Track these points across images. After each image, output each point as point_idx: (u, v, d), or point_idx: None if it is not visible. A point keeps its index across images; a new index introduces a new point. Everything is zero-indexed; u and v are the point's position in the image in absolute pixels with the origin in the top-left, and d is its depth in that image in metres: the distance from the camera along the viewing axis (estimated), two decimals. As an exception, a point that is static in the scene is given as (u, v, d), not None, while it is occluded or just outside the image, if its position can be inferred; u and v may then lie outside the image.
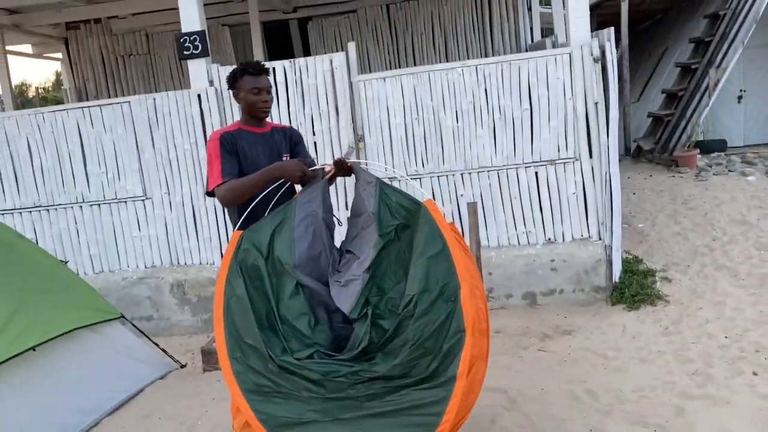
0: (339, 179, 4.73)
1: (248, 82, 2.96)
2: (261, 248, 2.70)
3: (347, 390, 2.54)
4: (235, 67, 3.01)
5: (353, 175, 2.90)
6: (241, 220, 2.78)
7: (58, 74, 30.66)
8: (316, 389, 2.53)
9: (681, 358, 3.79)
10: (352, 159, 4.96)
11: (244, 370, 2.47)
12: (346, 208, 4.92)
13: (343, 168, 2.87)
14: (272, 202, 2.89)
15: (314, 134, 5.12)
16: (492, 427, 3.18)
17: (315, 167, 2.89)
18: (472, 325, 2.46)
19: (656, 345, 4.02)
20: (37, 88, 33.44)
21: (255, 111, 3.00)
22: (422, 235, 2.64)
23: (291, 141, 3.19)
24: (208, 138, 3.09)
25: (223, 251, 5.25)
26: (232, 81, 2.99)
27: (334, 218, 2.96)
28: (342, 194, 5.14)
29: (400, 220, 2.75)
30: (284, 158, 3.08)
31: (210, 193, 2.93)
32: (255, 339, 2.53)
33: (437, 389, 2.45)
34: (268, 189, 2.86)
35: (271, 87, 3.04)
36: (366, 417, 2.46)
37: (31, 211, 5.49)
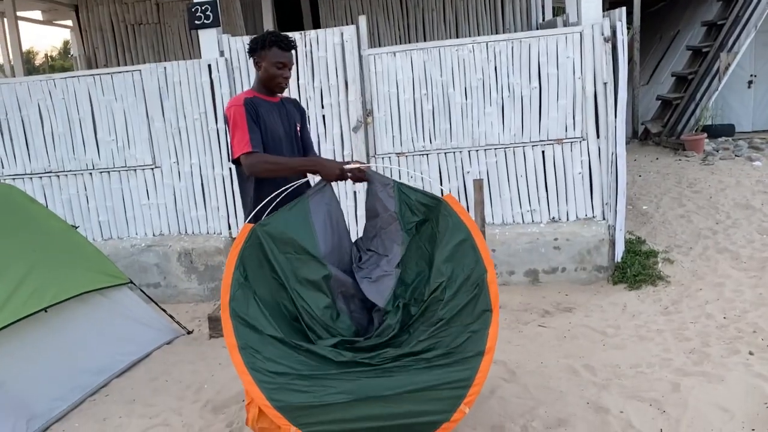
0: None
1: (275, 54, 2.92)
2: (277, 240, 2.74)
3: (374, 369, 2.62)
4: (262, 33, 2.97)
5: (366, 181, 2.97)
6: (254, 210, 2.82)
7: (65, 42, 30.57)
8: (340, 371, 2.60)
9: (679, 336, 3.85)
10: (360, 133, 5.01)
11: (257, 361, 2.52)
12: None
13: (358, 177, 2.92)
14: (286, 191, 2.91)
15: (323, 107, 5.15)
16: (491, 397, 3.26)
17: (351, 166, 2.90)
18: (496, 304, 2.63)
19: (655, 324, 4.09)
20: (46, 54, 33.34)
21: (274, 85, 2.98)
22: (446, 227, 2.78)
23: (300, 113, 3.21)
24: (226, 104, 3.08)
25: (230, 222, 5.34)
26: (258, 48, 2.94)
27: (340, 210, 3.02)
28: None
29: (420, 216, 2.88)
30: (297, 128, 3.12)
31: (236, 161, 2.92)
32: (267, 328, 2.60)
33: (464, 363, 2.57)
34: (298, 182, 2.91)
35: (293, 64, 3.02)
36: (394, 395, 2.55)
37: (41, 177, 5.56)
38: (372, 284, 2.92)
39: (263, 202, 2.83)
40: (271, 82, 2.99)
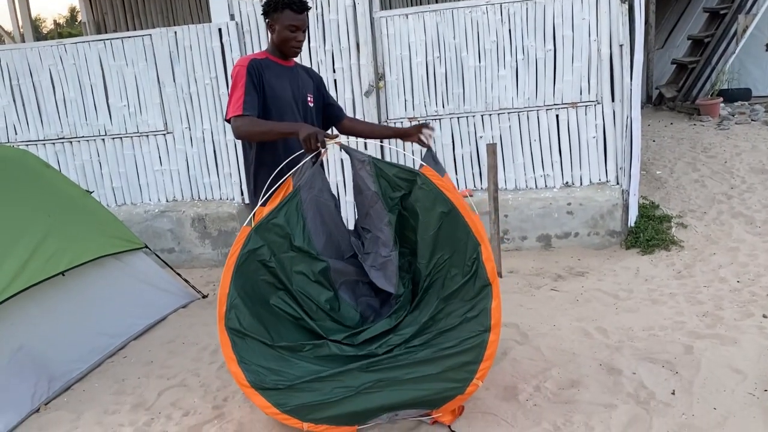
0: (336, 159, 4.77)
1: (288, 17, 2.86)
2: (274, 241, 2.70)
3: (380, 360, 2.64)
4: None
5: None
6: (263, 189, 2.79)
7: (71, 9, 30.36)
8: (346, 368, 2.62)
9: (692, 300, 3.86)
10: (372, 98, 4.97)
11: (259, 374, 2.53)
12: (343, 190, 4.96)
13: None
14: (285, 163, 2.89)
15: (334, 71, 5.11)
16: (503, 359, 3.29)
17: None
18: (494, 278, 2.62)
19: (668, 288, 4.09)
20: (55, 21, 33.16)
21: (287, 48, 2.94)
22: (425, 199, 2.73)
23: (315, 82, 3.15)
24: (234, 62, 3.06)
25: (243, 189, 5.34)
26: (271, 11, 2.88)
27: (332, 198, 3.00)
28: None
29: (403, 190, 2.81)
30: (308, 98, 3.06)
31: (229, 120, 2.87)
32: (265, 337, 2.61)
33: (471, 344, 2.60)
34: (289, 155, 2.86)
35: (308, 26, 2.96)
36: (402, 382, 2.59)
37: (54, 143, 5.57)
38: (378, 272, 2.93)
39: (267, 193, 2.73)
40: (284, 46, 2.93)
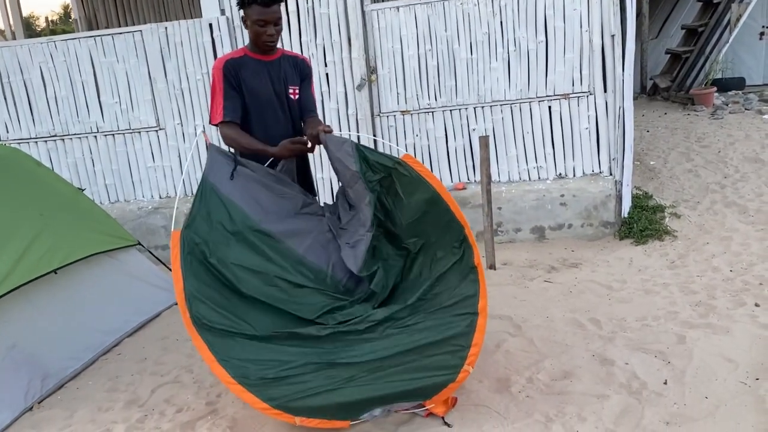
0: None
1: (255, 12, 2.82)
2: (210, 235, 2.70)
3: (363, 333, 2.64)
4: None
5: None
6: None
7: (65, 7, 30.21)
8: (328, 349, 2.61)
9: (685, 290, 3.86)
10: (364, 92, 4.96)
11: (241, 368, 2.49)
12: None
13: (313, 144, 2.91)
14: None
15: (326, 65, 5.09)
16: (497, 351, 3.29)
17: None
18: (479, 262, 2.64)
19: (661, 278, 4.09)
20: (47, 18, 33.00)
21: (260, 43, 2.92)
22: (406, 185, 2.78)
23: (302, 73, 3.12)
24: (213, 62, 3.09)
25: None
26: (240, 6, 2.88)
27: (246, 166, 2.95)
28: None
29: (382, 173, 2.86)
30: (290, 90, 3.02)
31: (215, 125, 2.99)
32: (240, 327, 2.58)
33: (458, 323, 2.60)
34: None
35: (280, 18, 2.90)
36: (392, 370, 2.57)
37: (46, 141, 5.55)
38: (350, 250, 2.94)
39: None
40: (257, 41, 2.91)
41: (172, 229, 2.66)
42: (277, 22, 2.89)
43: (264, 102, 2.95)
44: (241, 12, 2.91)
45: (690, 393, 2.78)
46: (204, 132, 2.99)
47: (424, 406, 2.71)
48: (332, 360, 2.59)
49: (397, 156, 2.87)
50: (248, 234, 2.80)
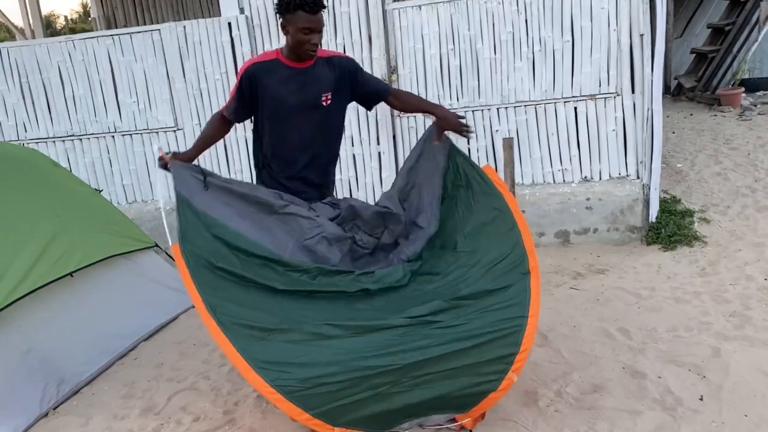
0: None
1: (301, 19, 2.65)
2: (209, 248, 2.60)
3: (407, 333, 2.51)
4: None
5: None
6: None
7: (84, 5, 30.44)
8: (371, 347, 2.47)
9: (718, 299, 3.72)
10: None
11: (281, 371, 2.34)
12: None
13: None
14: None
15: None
16: (523, 362, 3.18)
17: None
18: (535, 269, 2.63)
19: (692, 285, 3.96)
20: (66, 17, 33.30)
21: (302, 51, 2.75)
22: (481, 196, 2.85)
23: (344, 72, 2.93)
24: (245, 58, 3.05)
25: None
26: (283, 11, 2.70)
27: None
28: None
29: (461, 182, 2.91)
30: (323, 98, 2.87)
31: (254, 129, 3.00)
32: (269, 322, 2.46)
33: (507, 327, 2.52)
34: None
35: (323, 26, 2.77)
36: (434, 376, 2.46)
37: (64, 140, 5.52)
38: (406, 241, 2.92)
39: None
40: (298, 49, 2.75)
41: (170, 243, 2.55)
42: (321, 29, 2.76)
43: (287, 109, 2.85)
44: (280, 18, 2.74)
45: (728, 410, 2.65)
46: (160, 148, 2.85)
47: (456, 420, 2.61)
48: (374, 365, 2.42)
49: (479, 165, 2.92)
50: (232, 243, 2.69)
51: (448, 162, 2.90)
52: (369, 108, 3.18)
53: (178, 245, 2.53)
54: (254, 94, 2.84)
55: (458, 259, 2.76)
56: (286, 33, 2.75)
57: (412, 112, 3.19)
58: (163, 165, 2.85)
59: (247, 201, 2.79)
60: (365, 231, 2.91)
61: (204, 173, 2.78)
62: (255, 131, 3.02)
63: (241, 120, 3.02)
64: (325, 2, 2.74)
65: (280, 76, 2.81)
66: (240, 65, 5.07)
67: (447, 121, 2.94)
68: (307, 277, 2.66)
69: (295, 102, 2.83)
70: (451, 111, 3.00)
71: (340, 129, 3.06)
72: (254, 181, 3.09)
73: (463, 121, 2.94)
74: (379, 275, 2.74)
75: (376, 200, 3.24)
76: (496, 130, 4.92)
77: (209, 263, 2.55)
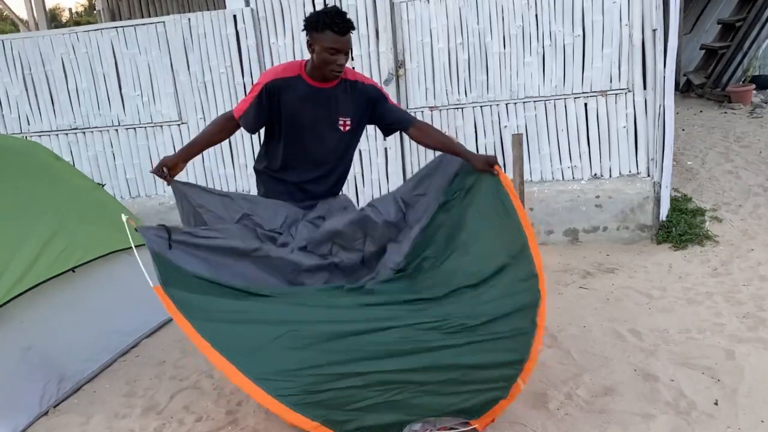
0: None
1: (329, 39, 2.58)
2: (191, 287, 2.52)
3: (411, 339, 2.42)
4: (318, 11, 2.65)
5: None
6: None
7: (90, -1, 30.37)
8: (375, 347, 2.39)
9: (731, 300, 3.65)
10: (391, 86, 4.79)
11: (283, 381, 2.23)
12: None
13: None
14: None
15: (352, 59, 4.92)
16: (532, 363, 3.12)
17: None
18: (541, 272, 2.50)
19: (704, 286, 3.88)
20: (70, 10, 33.24)
21: (327, 71, 2.68)
22: (490, 194, 2.74)
23: (367, 100, 2.86)
24: (250, 51, 2.98)
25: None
26: (311, 29, 2.63)
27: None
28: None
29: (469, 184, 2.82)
30: (340, 122, 2.81)
31: (267, 133, 2.96)
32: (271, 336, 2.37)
33: (516, 334, 2.43)
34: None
35: (351, 48, 2.72)
36: (438, 385, 2.37)
37: (67, 134, 5.46)
38: (396, 245, 2.85)
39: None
40: (324, 69, 2.67)
41: (152, 284, 2.43)
42: (348, 52, 2.68)
43: (304, 128, 2.80)
44: (307, 36, 2.67)
45: (744, 415, 2.58)
46: (129, 219, 2.76)
47: (469, 424, 2.54)
48: (381, 368, 2.33)
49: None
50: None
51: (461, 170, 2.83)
52: (386, 135, 3.08)
53: (160, 287, 2.42)
54: (273, 107, 2.78)
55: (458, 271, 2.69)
56: (311, 51, 2.68)
57: (434, 148, 2.94)
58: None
59: (218, 252, 2.70)
60: (345, 247, 2.85)
61: (168, 231, 2.68)
62: (267, 138, 2.98)
63: (255, 131, 2.96)
64: (354, 24, 2.66)
65: (299, 93, 2.75)
66: (245, 58, 5.01)
67: (475, 163, 2.78)
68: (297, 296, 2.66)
69: (312, 121, 2.78)
70: (481, 154, 2.89)
71: (354, 149, 3.02)
72: (256, 183, 3.09)
73: (492, 160, 2.75)
74: (370, 287, 2.72)
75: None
76: (505, 126, 4.84)
77: (195, 293, 2.47)
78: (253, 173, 3.00)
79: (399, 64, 4.88)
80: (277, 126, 2.84)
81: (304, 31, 2.68)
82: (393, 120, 2.93)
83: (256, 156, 2.95)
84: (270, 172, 2.97)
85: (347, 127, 2.84)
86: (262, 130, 2.97)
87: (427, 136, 2.91)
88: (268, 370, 2.23)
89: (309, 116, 2.77)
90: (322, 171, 2.92)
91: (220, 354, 2.20)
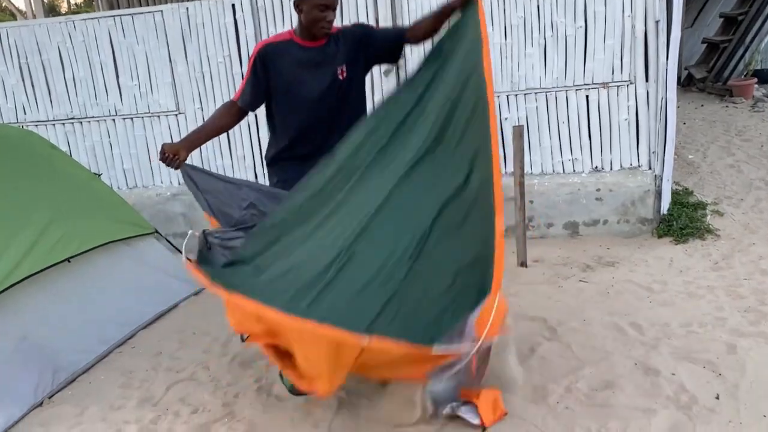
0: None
1: None
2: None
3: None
4: None
5: None
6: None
7: (89, -11, 30.17)
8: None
9: (732, 294, 3.62)
10: (391, 77, 4.74)
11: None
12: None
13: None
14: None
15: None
16: (531, 356, 3.09)
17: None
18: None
19: (705, 280, 3.85)
20: (68, 1, 33.07)
21: (317, 29, 2.76)
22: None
23: (355, 39, 2.89)
24: (249, 40, 2.97)
25: (257, 172, 5.15)
26: None
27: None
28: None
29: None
30: (338, 72, 2.84)
31: (268, 113, 2.96)
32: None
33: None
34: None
35: (338, 3, 2.78)
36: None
37: (64, 123, 5.41)
38: None
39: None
40: (314, 27, 2.75)
41: (184, 257, 2.54)
42: (335, 7, 2.77)
43: (305, 92, 2.82)
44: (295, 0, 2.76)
45: (745, 410, 2.55)
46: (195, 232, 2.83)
47: (483, 426, 2.52)
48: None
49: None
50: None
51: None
52: (396, 59, 3.06)
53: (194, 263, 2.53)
54: (267, 76, 2.81)
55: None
56: (299, 12, 2.75)
57: (433, 29, 2.91)
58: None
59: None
60: None
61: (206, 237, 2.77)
62: (270, 122, 2.98)
63: (255, 107, 2.95)
64: None
65: (293, 58, 2.79)
66: (244, 48, 4.96)
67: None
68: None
69: (312, 83, 2.81)
70: None
71: (361, 97, 3.00)
72: (265, 179, 3.08)
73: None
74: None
75: None
76: (506, 118, 4.80)
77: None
78: (251, 166, 3.00)
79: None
80: (276, 98, 2.85)
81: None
82: (388, 40, 2.97)
83: (254, 148, 2.94)
84: (281, 156, 2.96)
85: (344, 74, 2.87)
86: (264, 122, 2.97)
87: (421, 24, 2.93)
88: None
89: (308, 78, 2.81)
90: (336, 132, 2.83)
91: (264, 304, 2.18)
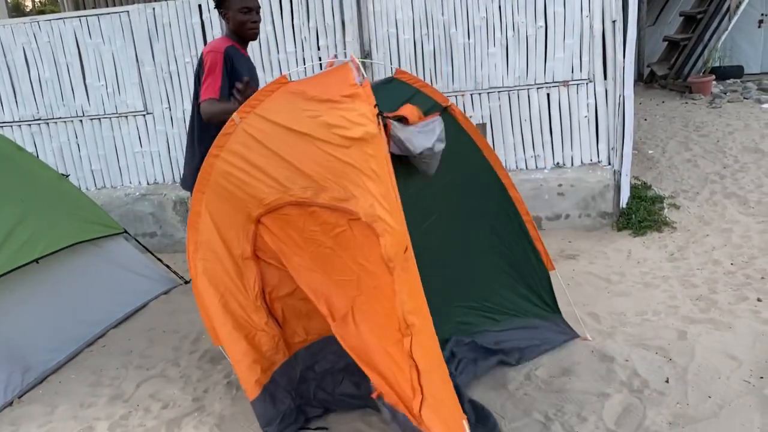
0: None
1: (237, 0, 2.88)
2: None
3: None
4: None
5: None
6: None
7: (54, -13, 29.62)
8: None
9: (686, 283, 3.78)
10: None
11: None
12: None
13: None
14: None
15: (319, 49, 4.94)
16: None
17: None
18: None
19: (661, 270, 4.01)
20: (33, 1, 32.43)
21: (244, 32, 2.94)
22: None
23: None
24: (207, 45, 2.96)
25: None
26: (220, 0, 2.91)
27: None
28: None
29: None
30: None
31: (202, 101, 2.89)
32: None
33: None
34: None
35: (260, 7, 2.99)
36: None
37: (30, 124, 5.39)
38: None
39: None
40: (241, 30, 2.93)
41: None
42: (258, 10, 2.96)
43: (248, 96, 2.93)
44: (219, 9, 2.96)
45: (693, 392, 2.70)
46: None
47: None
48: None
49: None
50: None
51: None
52: None
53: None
54: (232, 74, 2.90)
55: None
56: (227, 20, 2.94)
57: None
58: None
59: None
60: None
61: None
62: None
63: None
64: None
65: (240, 61, 2.94)
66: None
67: None
68: None
69: (256, 87, 2.99)
70: None
71: None
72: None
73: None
74: None
75: None
76: (470, 116, 4.91)
77: None
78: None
79: (365, 55, 4.92)
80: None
81: (216, 8, 2.95)
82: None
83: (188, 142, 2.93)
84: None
85: None
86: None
87: None
88: None
89: (252, 82, 2.98)
90: None
91: None
